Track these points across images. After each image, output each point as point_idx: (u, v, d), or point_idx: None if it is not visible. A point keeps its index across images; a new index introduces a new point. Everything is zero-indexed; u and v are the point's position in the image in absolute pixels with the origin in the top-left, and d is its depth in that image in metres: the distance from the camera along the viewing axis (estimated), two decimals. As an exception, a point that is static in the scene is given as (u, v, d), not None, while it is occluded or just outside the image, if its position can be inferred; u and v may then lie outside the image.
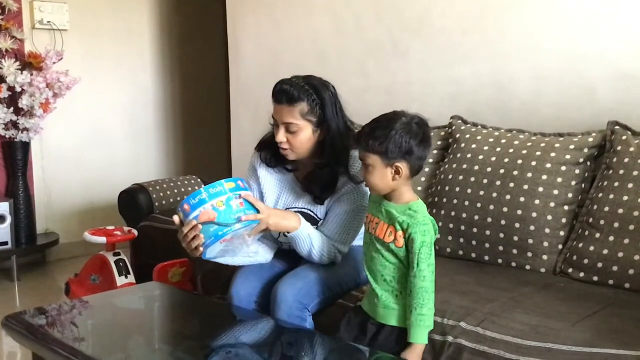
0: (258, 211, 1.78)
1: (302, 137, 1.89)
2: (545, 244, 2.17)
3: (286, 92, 1.86)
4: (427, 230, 1.61)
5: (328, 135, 1.91)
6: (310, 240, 1.90)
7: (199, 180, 3.88)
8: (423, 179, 2.59)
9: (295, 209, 2.00)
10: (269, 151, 2.03)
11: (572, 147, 2.24)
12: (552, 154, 2.23)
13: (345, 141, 1.92)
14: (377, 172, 1.63)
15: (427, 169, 2.61)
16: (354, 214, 1.95)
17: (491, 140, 2.42)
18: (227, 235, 1.75)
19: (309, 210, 2.00)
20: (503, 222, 2.22)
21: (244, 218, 1.74)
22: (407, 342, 1.60)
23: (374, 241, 1.69)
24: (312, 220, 1.99)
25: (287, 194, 2.04)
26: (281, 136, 1.89)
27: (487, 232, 2.26)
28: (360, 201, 1.94)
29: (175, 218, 1.77)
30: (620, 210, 2.02)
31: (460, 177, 2.39)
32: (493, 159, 2.34)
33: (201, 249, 1.75)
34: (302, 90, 1.86)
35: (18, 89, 3.71)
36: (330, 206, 1.98)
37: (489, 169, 2.33)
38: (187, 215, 1.74)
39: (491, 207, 2.26)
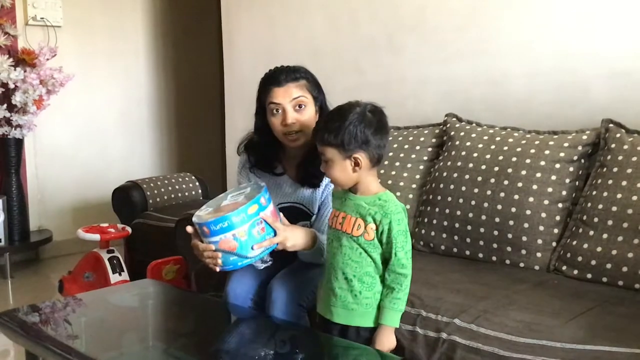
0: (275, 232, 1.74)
1: (309, 112, 1.91)
2: (540, 241, 2.17)
3: (288, 73, 1.90)
4: (401, 219, 1.60)
5: (325, 112, 1.94)
6: (320, 253, 1.87)
7: (193, 177, 3.87)
8: (418, 176, 2.59)
9: (288, 204, 2.00)
10: (257, 155, 2.04)
11: (566, 145, 2.24)
12: (547, 152, 2.24)
13: None
14: (337, 166, 1.62)
15: (421, 167, 2.61)
16: None
17: (486, 138, 2.42)
18: (246, 265, 1.73)
19: (302, 205, 1.99)
20: (497, 219, 2.23)
21: (257, 247, 1.70)
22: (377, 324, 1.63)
23: (339, 236, 1.66)
24: (305, 215, 1.99)
25: (279, 190, 2.04)
26: (291, 117, 1.88)
27: (482, 230, 2.26)
28: None
29: (189, 228, 1.76)
30: (614, 208, 2.03)
31: (455, 175, 2.39)
32: (487, 156, 2.34)
33: (217, 268, 1.74)
34: (300, 70, 1.93)
35: (11, 86, 3.69)
36: (322, 200, 1.98)
37: (483, 167, 2.33)
38: (205, 235, 1.70)
39: (485, 204, 2.26)
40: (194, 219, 1.74)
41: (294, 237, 1.79)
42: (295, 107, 1.89)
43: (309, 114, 1.91)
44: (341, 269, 1.65)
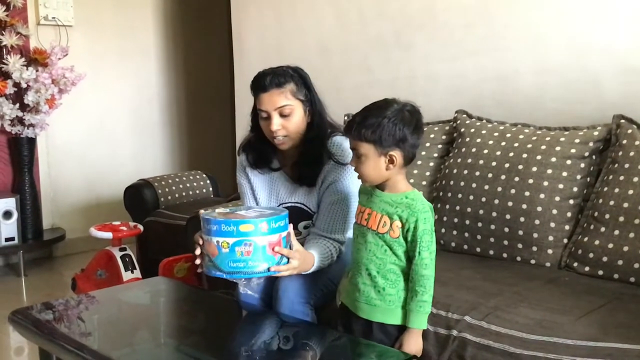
0: (278, 261, 1.66)
1: (296, 118, 1.90)
2: (551, 238, 2.16)
3: (272, 78, 1.88)
4: (428, 218, 1.60)
5: (315, 111, 1.95)
6: (319, 269, 1.86)
7: (203, 175, 3.89)
8: (428, 173, 2.59)
9: (290, 204, 2.00)
10: (254, 153, 2.04)
11: (577, 141, 2.23)
12: (558, 148, 2.23)
13: (325, 115, 1.98)
14: (371, 162, 1.60)
15: (432, 164, 2.60)
16: (345, 202, 1.94)
17: (496, 134, 2.42)
18: (218, 276, 1.66)
19: (303, 204, 2.00)
20: (508, 216, 2.22)
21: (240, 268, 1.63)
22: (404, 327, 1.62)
23: (364, 233, 1.66)
24: (307, 215, 1.99)
25: (279, 190, 2.04)
26: (276, 124, 1.88)
27: (492, 227, 2.26)
28: (348, 188, 1.93)
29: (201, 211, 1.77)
30: (626, 204, 2.01)
31: (465, 172, 2.39)
32: (498, 153, 2.34)
33: (199, 269, 1.72)
34: (286, 73, 1.91)
35: (24, 85, 3.73)
36: (320, 198, 1.98)
37: (494, 163, 2.32)
38: (202, 231, 1.67)
39: (496, 201, 2.26)
40: (202, 213, 1.72)
41: (302, 267, 1.75)
42: (281, 115, 1.89)
43: (296, 120, 1.90)
44: (365, 265, 1.66)
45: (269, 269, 1.65)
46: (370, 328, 1.66)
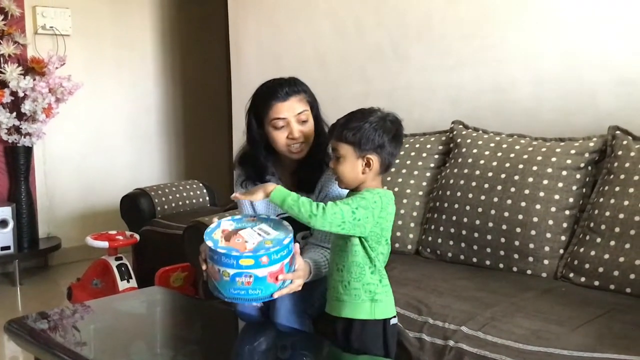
0: (271, 290, 1.64)
1: (311, 124, 1.93)
2: (547, 248, 2.17)
3: (289, 87, 1.90)
4: (365, 198, 1.60)
5: (320, 117, 1.97)
6: (314, 275, 1.86)
7: (200, 184, 3.89)
8: (424, 183, 2.59)
9: (288, 215, 2.00)
10: (251, 166, 2.03)
11: (573, 152, 2.24)
12: (553, 159, 2.24)
13: (324, 122, 2.00)
14: (348, 163, 1.65)
15: (428, 174, 2.61)
16: None
17: (492, 145, 2.42)
18: (220, 298, 1.66)
19: None
20: (504, 226, 2.23)
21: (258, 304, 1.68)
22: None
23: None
24: (305, 226, 1.98)
25: None
26: (297, 131, 1.88)
27: (489, 237, 2.26)
28: (343, 196, 1.92)
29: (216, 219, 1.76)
30: (621, 215, 2.02)
31: (462, 182, 2.39)
32: (494, 163, 2.35)
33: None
34: (297, 81, 1.93)
35: (21, 94, 3.73)
36: None
37: (490, 174, 2.33)
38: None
39: (492, 211, 2.26)
40: (206, 231, 1.68)
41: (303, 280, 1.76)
42: (299, 121, 1.90)
43: (311, 126, 1.93)
44: (334, 260, 1.71)
45: (271, 295, 1.64)
46: (350, 328, 1.67)
